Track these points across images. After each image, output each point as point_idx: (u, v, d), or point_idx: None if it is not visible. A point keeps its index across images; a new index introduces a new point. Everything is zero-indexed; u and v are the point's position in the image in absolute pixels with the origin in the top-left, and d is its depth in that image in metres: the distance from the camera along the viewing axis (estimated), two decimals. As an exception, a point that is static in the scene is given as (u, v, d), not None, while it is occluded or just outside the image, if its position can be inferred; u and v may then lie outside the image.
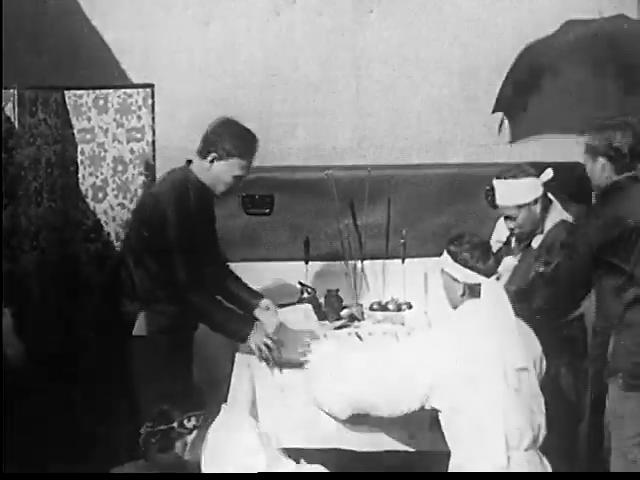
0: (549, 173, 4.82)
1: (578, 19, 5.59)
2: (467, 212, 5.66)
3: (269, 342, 4.57)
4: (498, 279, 4.22)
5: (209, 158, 4.63)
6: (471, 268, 4.17)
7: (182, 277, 4.55)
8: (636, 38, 5.29)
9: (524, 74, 5.43)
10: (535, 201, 4.84)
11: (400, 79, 6.64)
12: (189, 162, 4.72)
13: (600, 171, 4.51)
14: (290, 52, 6.58)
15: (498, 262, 4.23)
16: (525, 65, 5.48)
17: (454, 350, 4.06)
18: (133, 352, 4.63)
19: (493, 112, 5.55)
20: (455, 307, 4.23)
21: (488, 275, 4.16)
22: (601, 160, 4.49)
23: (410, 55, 6.63)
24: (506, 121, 5.46)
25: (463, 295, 4.20)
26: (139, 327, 4.64)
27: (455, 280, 4.21)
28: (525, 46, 5.57)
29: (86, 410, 5.43)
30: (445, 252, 4.25)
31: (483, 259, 4.18)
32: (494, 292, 4.15)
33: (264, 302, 4.91)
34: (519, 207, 4.84)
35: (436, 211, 5.71)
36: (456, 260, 4.20)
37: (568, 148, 5.24)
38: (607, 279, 4.47)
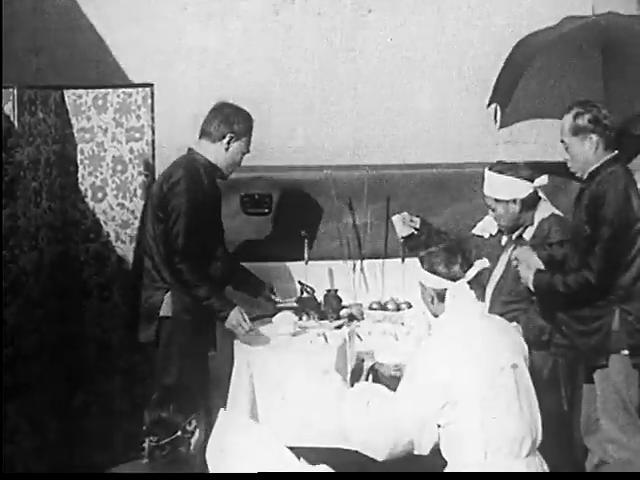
0: (544, 179, 4.89)
1: (575, 15, 5.63)
2: (466, 212, 5.66)
3: (245, 326, 4.81)
4: (470, 283, 4.17)
5: (226, 140, 4.89)
6: (435, 273, 4.14)
7: (180, 243, 4.75)
8: (625, 30, 5.37)
9: (515, 65, 5.49)
10: (514, 201, 4.90)
11: (399, 79, 6.64)
12: (190, 150, 4.93)
13: (592, 149, 4.59)
14: (289, 52, 6.59)
15: (467, 267, 4.18)
16: (517, 57, 5.53)
17: (440, 371, 3.99)
18: (158, 333, 4.84)
19: (488, 106, 5.57)
20: (435, 315, 4.20)
21: (454, 280, 4.12)
22: (593, 137, 4.58)
23: (409, 55, 6.64)
24: (499, 110, 5.50)
25: (433, 302, 4.18)
26: (165, 307, 4.84)
27: (424, 287, 4.21)
28: (518, 40, 5.61)
29: (88, 409, 5.44)
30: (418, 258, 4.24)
31: (446, 263, 4.14)
32: (460, 297, 4.10)
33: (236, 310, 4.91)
34: (497, 201, 4.93)
35: (435, 211, 5.72)
36: (422, 265, 4.18)
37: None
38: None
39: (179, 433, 3.84)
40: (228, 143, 4.90)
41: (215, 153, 4.92)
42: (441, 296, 4.14)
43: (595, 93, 5.03)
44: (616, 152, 4.61)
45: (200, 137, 4.95)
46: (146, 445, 3.82)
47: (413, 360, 4.17)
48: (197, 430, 3.92)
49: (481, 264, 4.22)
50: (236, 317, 4.79)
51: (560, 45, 5.36)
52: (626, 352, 4.55)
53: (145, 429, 3.85)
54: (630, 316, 4.54)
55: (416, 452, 4.09)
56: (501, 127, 5.57)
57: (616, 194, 4.52)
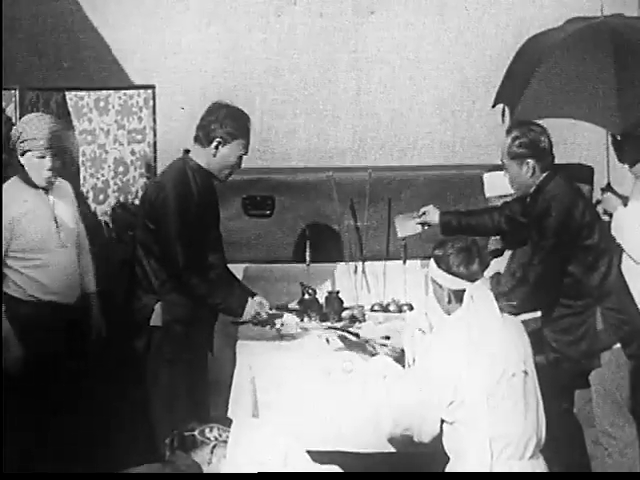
0: None
1: (580, 17, 5.62)
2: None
3: (263, 315, 4.87)
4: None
5: (214, 144, 4.76)
6: (454, 274, 4.12)
7: (182, 262, 4.69)
8: (633, 30, 5.37)
9: (524, 63, 5.47)
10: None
11: (401, 80, 6.64)
12: (187, 152, 4.84)
13: (529, 173, 4.74)
14: (291, 53, 6.58)
15: (484, 266, 4.18)
16: (525, 56, 5.52)
17: (451, 368, 4.00)
18: (149, 342, 4.81)
19: (493, 106, 5.57)
20: (448, 313, 4.20)
21: (472, 280, 4.09)
22: (530, 162, 4.73)
23: (411, 56, 6.64)
24: (507, 110, 5.48)
25: (450, 302, 4.16)
26: (155, 318, 4.79)
27: (440, 286, 4.19)
28: (526, 39, 5.60)
29: (93, 411, 5.43)
30: (432, 258, 4.23)
31: (466, 264, 4.11)
32: (478, 297, 4.09)
33: (256, 298, 4.96)
34: (500, 197, 5.11)
35: (437, 212, 5.72)
36: (439, 265, 4.16)
37: (568, 149, 5.26)
38: (578, 260, 4.70)
39: (196, 432, 3.86)
40: (216, 148, 4.76)
41: (206, 158, 4.78)
42: (458, 296, 4.13)
43: (607, 94, 5.03)
44: (542, 178, 4.75)
45: (194, 141, 4.82)
46: (167, 442, 3.87)
47: (426, 352, 4.18)
48: (219, 444, 3.92)
49: (499, 263, 4.22)
50: (250, 310, 4.82)
51: (570, 46, 5.35)
52: (618, 345, 4.67)
53: (159, 433, 3.90)
54: (612, 311, 4.68)
55: (416, 439, 4.11)
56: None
57: (560, 206, 4.68)
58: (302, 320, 5.21)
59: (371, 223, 5.67)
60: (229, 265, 5.23)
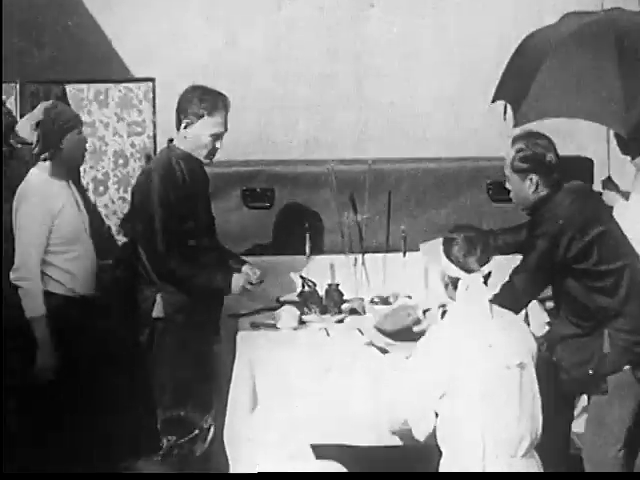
0: None
1: (577, 12, 5.62)
2: (468, 206, 5.67)
3: (248, 287, 4.89)
4: (487, 276, 4.14)
5: (183, 125, 4.83)
6: (451, 259, 4.13)
7: (161, 247, 4.73)
8: (635, 25, 5.35)
9: (526, 60, 5.46)
10: None
11: (401, 73, 6.64)
12: (170, 140, 4.91)
13: (532, 188, 4.55)
14: (291, 46, 6.58)
15: (483, 261, 4.14)
16: (527, 52, 5.51)
17: (445, 360, 4.01)
18: (153, 334, 4.82)
19: (493, 101, 5.56)
20: (452, 299, 4.20)
21: (467, 271, 4.10)
22: (533, 178, 4.54)
23: (411, 49, 6.63)
24: (509, 107, 5.47)
25: (447, 287, 4.16)
26: (157, 309, 4.81)
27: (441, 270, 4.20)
28: (527, 35, 5.59)
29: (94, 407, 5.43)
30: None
31: (464, 253, 4.11)
32: (473, 289, 4.08)
33: (245, 268, 5.02)
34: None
35: (437, 205, 5.73)
36: (444, 248, 4.17)
37: (567, 142, 5.26)
38: (580, 279, 4.51)
39: (197, 432, 3.86)
40: (185, 128, 4.84)
41: (181, 141, 4.86)
42: (454, 283, 4.14)
43: (612, 90, 5.02)
44: (548, 191, 4.56)
45: (175, 127, 4.91)
46: (164, 444, 3.84)
47: (420, 344, 4.18)
48: (212, 428, 3.92)
49: (498, 262, 4.20)
50: (238, 283, 4.84)
51: (572, 42, 5.33)
52: (627, 367, 4.50)
53: (161, 428, 3.86)
54: (622, 333, 4.48)
55: (413, 432, 4.11)
56: (515, 126, 5.53)
57: (546, 231, 4.47)
58: (302, 313, 5.23)
59: (371, 215, 5.67)
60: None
